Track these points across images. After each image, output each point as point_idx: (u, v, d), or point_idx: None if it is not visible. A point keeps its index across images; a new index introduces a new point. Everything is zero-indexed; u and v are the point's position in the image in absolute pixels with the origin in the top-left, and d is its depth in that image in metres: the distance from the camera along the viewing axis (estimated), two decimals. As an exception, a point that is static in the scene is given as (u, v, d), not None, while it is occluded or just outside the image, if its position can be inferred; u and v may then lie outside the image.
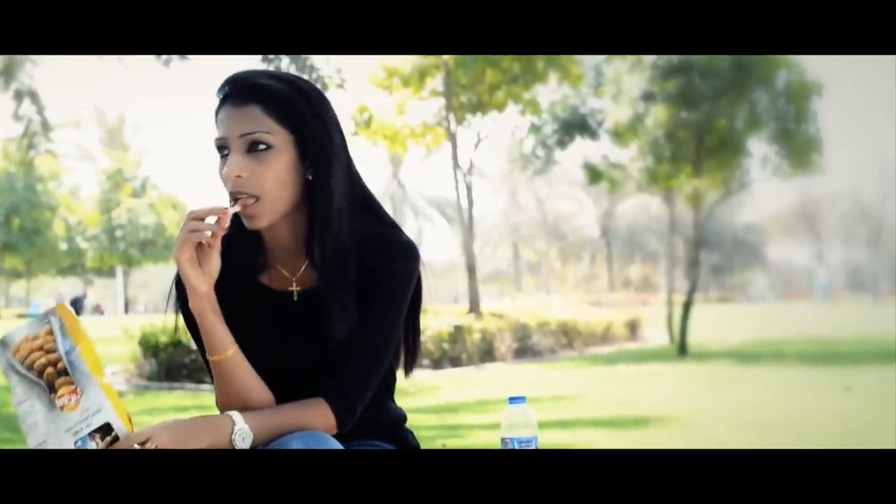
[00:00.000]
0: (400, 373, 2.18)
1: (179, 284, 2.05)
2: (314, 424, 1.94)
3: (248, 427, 1.90)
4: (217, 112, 1.98)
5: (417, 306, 2.12)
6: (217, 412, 2.02)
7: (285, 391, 2.01)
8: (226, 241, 1.95)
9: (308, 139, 1.96)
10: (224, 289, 1.98)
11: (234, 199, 1.95)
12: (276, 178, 1.94)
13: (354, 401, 1.99)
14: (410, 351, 2.16)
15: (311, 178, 1.97)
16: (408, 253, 2.03)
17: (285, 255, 2.04)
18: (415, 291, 2.09)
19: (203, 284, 1.93)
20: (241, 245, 2.04)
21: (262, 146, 1.93)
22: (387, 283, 2.00)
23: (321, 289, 2.00)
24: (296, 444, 1.87)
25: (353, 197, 2.02)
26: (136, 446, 1.81)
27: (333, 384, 1.98)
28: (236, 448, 1.88)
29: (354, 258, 1.99)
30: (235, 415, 1.91)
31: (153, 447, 1.81)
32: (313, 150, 1.96)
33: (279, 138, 1.94)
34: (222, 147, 1.97)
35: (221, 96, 1.98)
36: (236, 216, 1.98)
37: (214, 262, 1.93)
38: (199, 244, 1.92)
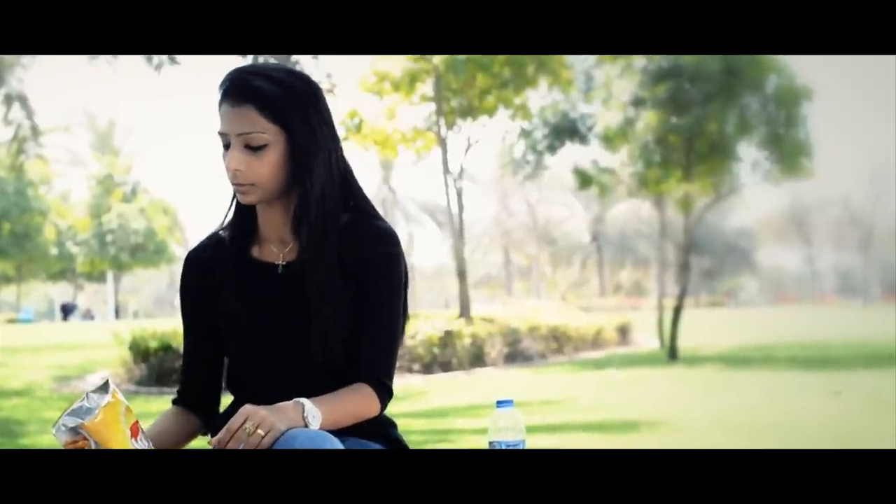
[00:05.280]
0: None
1: (186, 267, 2.30)
2: (367, 407, 2.14)
3: (316, 408, 2.03)
4: (219, 105, 2.17)
5: (405, 278, 2.30)
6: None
7: (272, 366, 2.19)
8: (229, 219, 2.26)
9: (294, 135, 2.16)
10: (220, 260, 2.26)
11: (235, 186, 2.18)
12: (270, 169, 2.15)
13: (388, 378, 2.19)
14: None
15: (296, 168, 2.17)
16: (395, 239, 2.24)
17: (276, 233, 2.24)
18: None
19: None
20: (240, 222, 2.28)
21: (257, 143, 2.13)
22: (387, 267, 2.21)
23: (303, 264, 2.18)
24: (299, 441, 1.92)
25: (337, 186, 2.20)
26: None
27: (366, 367, 2.17)
28: (309, 427, 1.99)
29: (335, 239, 2.18)
30: (302, 399, 2.04)
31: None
32: (298, 145, 2.16)
33: (272, 135, 2.14)
34: (224, 139, 2.17)
35: (222, 91, 2.17)
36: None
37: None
38: None
